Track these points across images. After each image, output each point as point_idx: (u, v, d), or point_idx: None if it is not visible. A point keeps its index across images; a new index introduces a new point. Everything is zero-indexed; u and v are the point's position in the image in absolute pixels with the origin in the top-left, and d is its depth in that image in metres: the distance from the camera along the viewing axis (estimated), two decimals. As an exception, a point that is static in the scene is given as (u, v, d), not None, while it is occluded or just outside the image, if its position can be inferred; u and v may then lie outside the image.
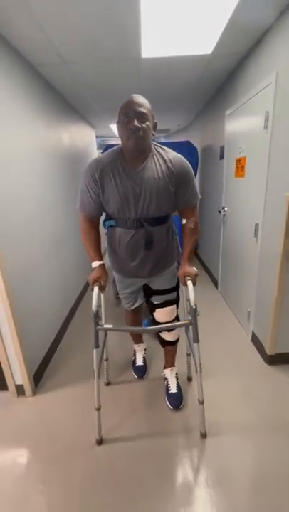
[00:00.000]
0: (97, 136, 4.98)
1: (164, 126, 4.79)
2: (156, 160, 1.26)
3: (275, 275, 1.72)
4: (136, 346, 1.95)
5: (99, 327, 1.30)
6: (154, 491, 1.18)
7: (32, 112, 1.97)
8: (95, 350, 1.33)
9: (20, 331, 1.62)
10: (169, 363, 1.71)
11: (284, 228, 1.59)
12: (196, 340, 1.32)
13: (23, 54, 1.81)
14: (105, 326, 1.35)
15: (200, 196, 1.39)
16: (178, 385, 1.67)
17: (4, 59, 1.61)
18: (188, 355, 1.73)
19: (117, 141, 5.42)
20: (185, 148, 3.44)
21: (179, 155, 1.30)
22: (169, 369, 1.72)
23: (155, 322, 1.57)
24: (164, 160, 1.26)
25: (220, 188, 2.84)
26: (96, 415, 1.37)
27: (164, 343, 1.64)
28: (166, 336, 1.59)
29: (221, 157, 2.77)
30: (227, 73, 2.35)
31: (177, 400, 1.60)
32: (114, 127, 4.54)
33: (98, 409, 1.38)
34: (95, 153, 4.58)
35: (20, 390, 1.73)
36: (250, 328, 2.17)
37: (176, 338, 1.62)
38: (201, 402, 1.38)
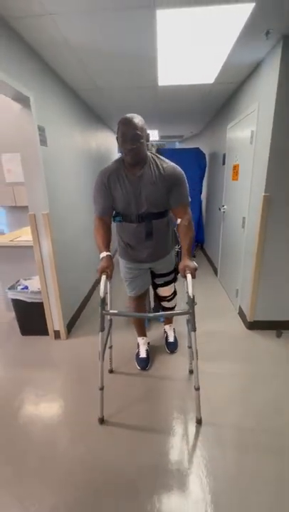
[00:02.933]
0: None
1: (177, 132, 5.31)
2: (152, 167, 1.48)
3: (253, 257, 2.22)
4: (140, 339, 2.08)
5: (105, 312, 1.43)
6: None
7: (71, 123, 2.58)
8: (100, 333, 1.44)
9: (60, 291, 2.21)
10: (168, 320, 2.22)
11: (259, 220, 2.09)
12: (193, 328, 1.41)
13: (68, 83, 2.40)
14: (111, 311, 1.50)
15: (190, 200, 1.58)
16: (175, 337, 2.19)
17: (56, 87, 2.21)
18: (189, 347, 1.90)
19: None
20: (195, 154, 3.96)
21: (172, 164, 1.52)
22: (168, 325, 2.23)
23: (157, 296, 2.01)
24: (158, 167, 1.48)
25: (221, 189, 3.33)
26: (99, 395, 1.50)
27: (165, 309, 2.03)
28: (167, 304, 1.99)
29: (223, 163, 3.26)
30: (228, 95, 2.86)
31: (173, 347, 2.12)
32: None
33: (101, 388, 1.49)
34: (116, 155, 5.16)
35: (57, 334, 2.32)
36: (238, 303, 2.67)
37: (173, 305, 2.03)
38: (197, 389, 1.47)
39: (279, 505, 1.15)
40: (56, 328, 2.31)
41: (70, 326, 2.46)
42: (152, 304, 2.48)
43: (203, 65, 2.10)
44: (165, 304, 2.01)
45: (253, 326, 2.38)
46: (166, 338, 2.20)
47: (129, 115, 1.37)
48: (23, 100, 1.76)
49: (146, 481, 1.25)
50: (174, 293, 1.99)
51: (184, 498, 1.18)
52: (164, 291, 1.93)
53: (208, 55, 1.95)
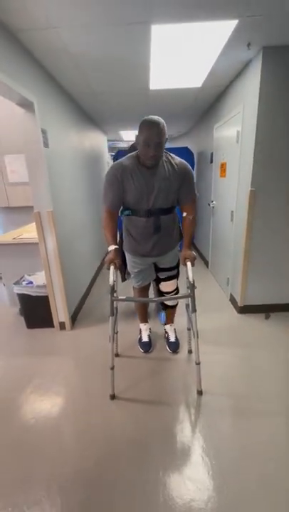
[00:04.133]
0: (108, 140, 5.69)
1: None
2: (165, 165, 1.57)
3: (242, 247, 2.42)
4: (142, 325, 2.21)
5: (114, 298, 1.56)
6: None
7: (68, 126, 2.71)
8: (110, 317, 1.56)
9: (64, 284, 2.34)
10: (170, 320, 2.22)
11: (247, 213, 2.30)
12: (194, 310, 1.57)
13: (66, 88, 2.53)
14: (120, 297, 1.60)
15: (198, 194, 1.78)
16: (176, 337, 2.17)
17: (55, 92, 2.34)
18: (189, 329, 2.01)
19: (125, 144, 6.15)
20: (184, 154, 4.14)
21: (183, 160, 1.63)
22: (169, 325, 2.23)
23: (159, 292, 2.06)
24: (172, 164, 1.58)
25: (210, 186, 3.54)
26: (110, 374, 1.64)
27: (166, 307, 2.12)
28: (169, 302, 2.06)
29: (211, 161, 3.46)
30: (215, 97, 3.06)
31: (175, 346, 2.10)
32: (123, 133, 5.25)
33: (112, 368, 1.62)
34: (107, 155, 5.30)
35: (62, 326, 2.46)
36: (229, 291, 2.88)
37: (176, 303, 2.10)
38: (198, 363, 1.62)
39: (269, 459, 1.34)
40: (61, 320, 2.44)
41: (74, 317, 2.59)
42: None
43: (192, 71, 2.29)
44: (168, 301, 2.08)
45: (244, 310, 2.60)
46: (168, 338, 2.19)
47: (155, 119, 1.38)
48: (27, 105, 1.88)
49: (157, 444, 1.41)
50: (176, 289, 2.01)
51: (190, 456, 1.35)
52: (167, 286, 1.97)
53: (196, 63, 2.13)
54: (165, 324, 2.27)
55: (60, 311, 2.41)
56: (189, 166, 1.64)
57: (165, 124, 1.42)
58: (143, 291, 2.03)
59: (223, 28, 1.65)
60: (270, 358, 2.01)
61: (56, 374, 1.94)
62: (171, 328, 2.23)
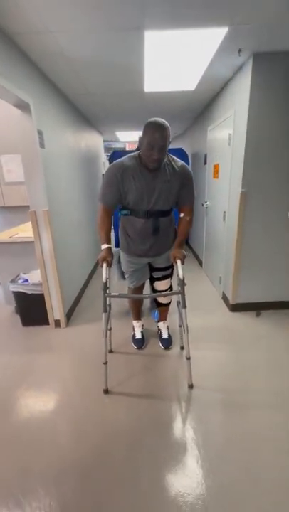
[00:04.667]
0: (104, 141, 5.73)
1: (161, 133, 5.56)
2: (167, 167, 1.58)
3: (234, 246, 2.49)
4: (135, 322, 2.25)
5: (107, 294, 1.59)
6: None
7: (64, 126, 2.75)
8: (104, 314, 1.60)
9: (59, 282, 2.38)
10: (163, 317, 2.26)
11: (238, 213, 2.37)
12: (184, 306, 1.63)
13: (62, 89, 2.57)
14: (112, 294, 1.64)
15: (196, 197, 1.72)
16: (168, 334, 2.22)
17: (51, 93, 2.38)
18: (180, 326, 2.06)
19: (120, 145, 6.22)
20: (178, 155, 4.20)
21: (184, 163, 1.65)
22: (162, 322, 2.28)
23: (154, 291, 2.08)
24: (173, 167, 1.60)
25: (204, 187, 3.61)
26: (104, 368, 1.69)
27: (160, 305, 2.18)
28: (162, 300, 2.13)
29: (205, 162, 3.53)
30: (208, 100, 3.12)
31: (167, 343, 2.16)
32: (119, 133, 5.29)
33: (105, 363, 1.68)
34: (103, 155, 5.34)
35: (57, 323, 2.50)
36: (221, 289, 2.95)
37: (168, 301, 2.16)
38: (188, 358, 1.68)
39: (254, 449, 1.41)
40: (56, 318, 2.48)
41: (69, 315, 2.63)
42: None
43: (185, 75, 2.35)
44: (161, 300, 2.13)
45: (235, 308, 2.67)
46: (160, 334, 2.25)
47: (160, 122, 1.40)
48: (23, 106, 1.92)
49: (149, 434, 1.47)
50: (170, 288, 2.06)
51: (179, 445, 1.41)
52: (161, 285, 2.01)
53: (189, 67, 2.19)
54: (158, 321, 2.33)
55: (56, 309, 2.45)
56: (190, 169, 1.66)
57: (170, 128, 1.45)
58: (137, 291, 2.06)
59: (214, 35, 1.71)
60: (259, 353, 2.08)
61: (51, 370, 1.99)
62: (164, 325, 2.28)
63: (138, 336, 2.22)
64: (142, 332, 2.25)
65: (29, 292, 2.40)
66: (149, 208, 1.62)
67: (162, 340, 2.20)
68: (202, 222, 3.74)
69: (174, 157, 1.65)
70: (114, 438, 1.46)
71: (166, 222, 1.72)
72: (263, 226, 2.41)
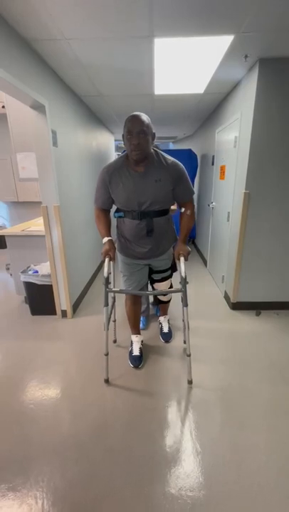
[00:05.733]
0: (115, 140, 5.86)
1: (172, 134, 5.64)
2: (156, 165, 1.52)
3: (236, 246, 2.56)
4: (133, 337, 2.07)
5: (108, 289, 1.58)
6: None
7: (76, 126, 2.88)
8: (104, 307, 1.60)
9: (67, 274, 2.51)
10: (163, 312, 2.35)
11: (241, 214, 2.44)
12: (186, 304, 1.61)
13: (75, 91, 2.70)
14: (114, 289, 1.66)
15: (194, 192, 1.67)
16: (169, 327, 2.31)
17: (65, 95, 2.51)
18: (183, 321, 1.93)
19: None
20: (187, 155, 4.30)
21: (175, 160, 1.57)
22: (163, 316, 2.36)
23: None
24: (163, 165, 1.53)
25: (210, 187, 3.67)
26: (105, 359, 1.75)
27: (160, 302, 2.24)
28: (163, 298, 2.18)
29: (212, 163, 3.60)
30: (216, 103, 3.19)
31: (168, 337, 2.24)
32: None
33: (106, 354, 1.72)
34: (114, 155, 5.47)
35: (64, 313, 2.62)
36: (223, 288, 3.02)
37: (169, 299, 2.22)
38: (188, 355, 1.70)
39: (251, 446, 1.48)
40: (63, 308, 2.61)
41: (76, 306, 2.76)
42: (151, 299, 2.67)
43: (194, 79, 2.43)
44: (162, 297, 2.19)
45: (236, 306, 2.73)
46: (161, 328, 2.31)
47: (136, 113, 1.41)
48: (39, 108, 2.05)
49: (147, 426, 1.53)
50: (170, 287, 2.05)
51: (176, 436, 1.50)
52: (161, 287, 1.98)
53: (198, 72, 2.28)
54: (159, 316, 2.41)
55: (63, 300, 2.58)
56: (182, 165, 1.58)
57: (149, 118, 1.44)
58: (136, 297, 1.96)
59: (221, 42, 1.79)
60: (258, 352, 2.14)
61: (56, 356, 2.11)
62: (165, 319, 2.36)
63: (135, 352, 2.00)
64: (140, 348, 2.04)
65: (38, 283, 2.54)
66: (141, 208, 1.57)
67: (163, 334, 2.28)
68: (208, 222, 3.81)
69: (165, 154, 1.58)
70: (111, 418, 1.57)
71: (162, 222, 1.66)
72: (264, 226, 2.47)
